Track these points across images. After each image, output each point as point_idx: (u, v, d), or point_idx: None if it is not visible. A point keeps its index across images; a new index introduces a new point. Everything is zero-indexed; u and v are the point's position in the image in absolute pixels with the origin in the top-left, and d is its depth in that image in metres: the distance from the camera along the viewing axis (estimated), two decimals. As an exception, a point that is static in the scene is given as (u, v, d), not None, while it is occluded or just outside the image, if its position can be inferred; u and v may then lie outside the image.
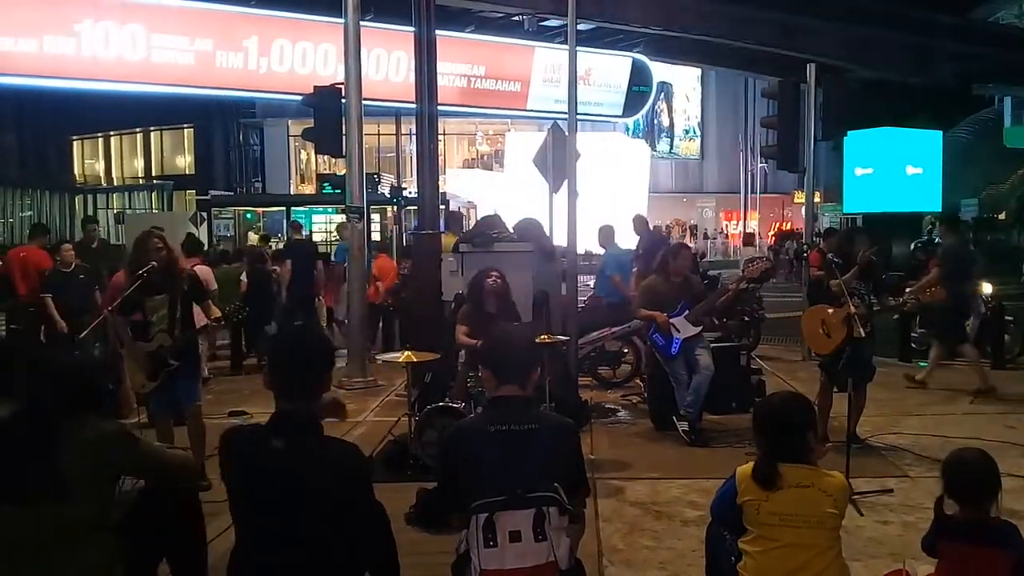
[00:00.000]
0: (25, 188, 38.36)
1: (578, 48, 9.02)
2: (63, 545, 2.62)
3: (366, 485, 2.64)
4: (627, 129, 36.30)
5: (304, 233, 16.05)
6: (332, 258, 11.16)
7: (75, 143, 43.17)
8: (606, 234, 10.14)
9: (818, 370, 6.51)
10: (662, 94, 43.03)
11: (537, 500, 2.61)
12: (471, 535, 2.64)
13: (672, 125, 46.38)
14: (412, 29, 9.29)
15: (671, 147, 46.33)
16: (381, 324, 11.33)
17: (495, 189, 26.13)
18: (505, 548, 2.59)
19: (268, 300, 10.23)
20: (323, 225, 30.78)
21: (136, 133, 41.64)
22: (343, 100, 9.43)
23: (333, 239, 24.35)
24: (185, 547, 3.24)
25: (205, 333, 5.99)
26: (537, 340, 3.25)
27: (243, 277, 10.35)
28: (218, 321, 5.85)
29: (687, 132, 47.09)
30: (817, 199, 19.86)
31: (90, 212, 40.25)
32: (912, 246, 12.43)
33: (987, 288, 10.14)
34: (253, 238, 24.45)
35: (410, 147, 25.54)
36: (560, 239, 8.41)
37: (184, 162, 41.27)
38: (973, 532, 2.81)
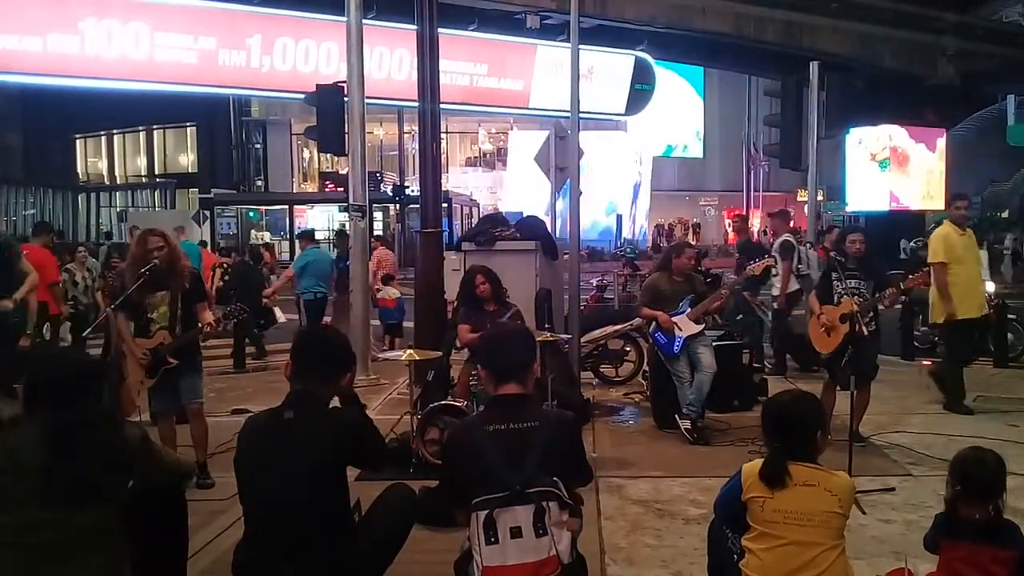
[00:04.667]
0: (28, 186, 38.39)
1: (581, 46, 9.00)
2: (84, 547, 2.61)
3: (361, 438, 2.97)
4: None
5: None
6: None
7: (78, 141, 43.22)
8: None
9: (819, 368, 6.50)
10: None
11: (536, 495, 2.62)
12: (472, 533, 2.65)
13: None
14: (414, 27, 9.27)
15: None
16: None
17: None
18: (506, 544, 2.60)
19: None
20: (324, 223, 30.88)
21: (139, 131, 41.68)
22: (345, 98, 9.43)
23: (331, 237, 24.46)
24: (167, 547, 3.20)
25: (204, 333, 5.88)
26: (532, 335, 3.22)
27: None
28: (212, 326, 5.72)
29: (690, 130, 46.98)
30: (820, 197, 19.82)
31: (93, 210, 40.27)
32: (912, 243, 12.36)
33: (990, 287, 10.10)
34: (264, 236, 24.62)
35: (413, 145, 25.52)
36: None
37: (187, 160, 41.31)
38: (977, 531, 2.80)
